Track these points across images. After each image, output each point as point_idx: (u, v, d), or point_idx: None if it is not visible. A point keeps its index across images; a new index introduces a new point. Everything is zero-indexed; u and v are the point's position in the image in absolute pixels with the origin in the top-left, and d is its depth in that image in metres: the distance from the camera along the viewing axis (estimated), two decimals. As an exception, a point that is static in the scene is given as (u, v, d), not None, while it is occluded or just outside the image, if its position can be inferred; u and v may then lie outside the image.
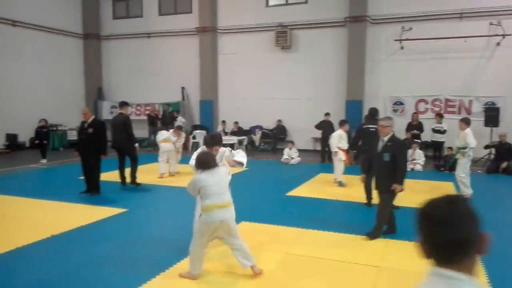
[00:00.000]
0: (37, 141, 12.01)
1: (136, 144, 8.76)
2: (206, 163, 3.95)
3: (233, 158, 4.88)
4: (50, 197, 7.45)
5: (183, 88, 16.39)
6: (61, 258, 4.68)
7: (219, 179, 3.98)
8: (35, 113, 15.06)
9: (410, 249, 4.72)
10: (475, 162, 11.98)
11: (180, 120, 15.28)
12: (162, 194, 8.13)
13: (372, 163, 6.88)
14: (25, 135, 14.91)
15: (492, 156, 11.37)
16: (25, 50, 15.10)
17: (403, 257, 4.65)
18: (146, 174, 10.01)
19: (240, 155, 4.95)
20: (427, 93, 13.41)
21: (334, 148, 8.82)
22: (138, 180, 8.61)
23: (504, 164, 10.62)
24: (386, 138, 5.24)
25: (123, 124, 8.41)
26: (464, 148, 7.52)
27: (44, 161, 11.79)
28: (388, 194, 5.16)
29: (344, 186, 8.61)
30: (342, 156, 8.76)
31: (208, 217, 3.83)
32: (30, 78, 15.21)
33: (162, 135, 9.88)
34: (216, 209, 3.83)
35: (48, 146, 12.69)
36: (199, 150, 4.46)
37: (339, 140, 8.79)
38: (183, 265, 4.42)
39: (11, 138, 14.50)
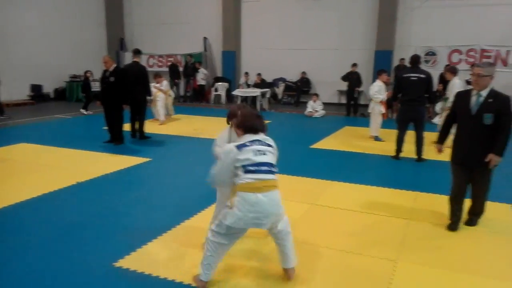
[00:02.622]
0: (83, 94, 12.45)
1: (151, 97, 8.56)
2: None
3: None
4: (75, 146, 7.50)
5: (205, 39, 15.97)
6: (90, 202, 4.72)
7: None
8: (58, 64, 15.08)
9: (439, 202, 4.56)
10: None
11: (202, 72, 15.05)
12: (184, 144, 8.07)
13: (411, 117, 6.54)
14: (49, 86, 15.00)
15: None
16: (45, -1, 14.85)
17: (432, 210, 4.49)
18: (170, 125, 9.99)
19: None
20: (462, 43, 12.63)
21: (376, 99, 8.27)
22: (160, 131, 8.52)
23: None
24: (484, 93, 3.77)
25: (140, 74, 8.00)
26: None
27: (84, 111, 11.88)
28: (488, 169, 3.82)
29: (382, 141, 8.25)
30: (382, 109, 8.35)
31: None
32: (50, 28, 15.02)
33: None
34: None
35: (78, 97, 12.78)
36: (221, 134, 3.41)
37: (379, 91, 8.27)
38: (212, 210, 4.39)
39: (36, 89, 14.60)
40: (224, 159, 2.84)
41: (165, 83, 10.27)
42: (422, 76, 6.50)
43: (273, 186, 2.84)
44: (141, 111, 8.20)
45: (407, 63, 9.46)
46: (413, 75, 6.52)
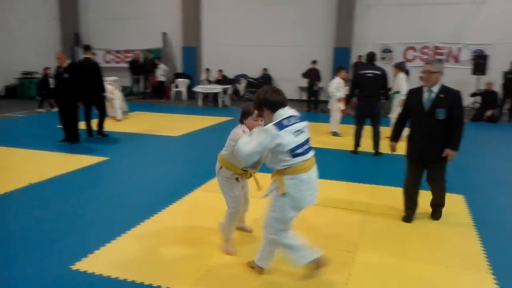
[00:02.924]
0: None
1: (106, 93, 8.38)
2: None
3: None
4: (27, 146, 7.16)
5: (164, 34, 15.68)
6: (44, 204, 4.51)
7: None
8: (8, 60, 14.33)
9: (395, 195, 4.72)
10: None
11: (162, 68, 14.78)
12: (143, 142, 7.89)
13: (367, 113, 6.71)
14: (-2, 83, 14.26)
15: (477, 105, 11.36)
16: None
17: (388, 203, 4.64)
18: (128, 123, 9.76)
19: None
20: (416, 40, 13.13)
21: (335, 96, 8.40)
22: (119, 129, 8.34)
23: (489, 112, 10.65)
24: (435, 89, 3.86)
25: (93, 71, 7.75)
26: (398, 92, 7.65)
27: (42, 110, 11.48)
28: (443, 164, 3.96)
29: (340, 136, 8.45)
30: (341, 105, 8.48)
31: None
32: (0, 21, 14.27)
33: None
34: None
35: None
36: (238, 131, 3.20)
37: (337, 88, 8.39)
38: (169, 211, 4.33)
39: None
40: (264, 139, 2.66)
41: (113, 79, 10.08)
42: (377, 72, 6.69)
43: (314, 162, 2.88)
44: (100, 108, 8.02)
45: (364, 60, 9.71)
46: (369, 72, 6.69)
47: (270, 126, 2.68)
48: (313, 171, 2.85)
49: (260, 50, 14.85)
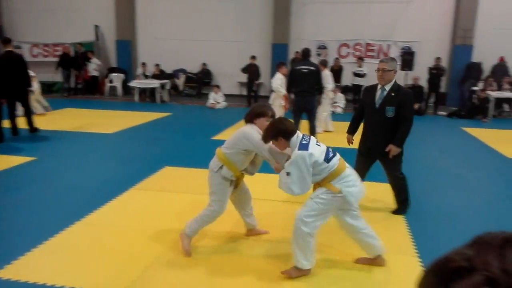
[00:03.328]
0: None
1: (32, 88, 7.92)
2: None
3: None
4: None
5: (96, 27, 14.96)
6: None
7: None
8: None
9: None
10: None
11: (94, 62, 14.10)
12: (74, 140, 7.49)
13: (303, 108, 6.84)
14: None
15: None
16: None
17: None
18: (58, 120, 9.22)
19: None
20: (349, 37, 13.67)
21: (281, 92, 8.13)
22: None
23: (416, 106, 11.35)
24: (388, 87, 3.97)
25: (17, 65, 7.24)
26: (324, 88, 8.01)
27: None
28: (394, 158, 4.06)
29: None
30: (282, 101, 8.48)
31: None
32: None
33: None
34: None
35: None
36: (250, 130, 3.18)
37: (281, 84, 8.20)
38: (102, 212, 4.15)
39: None
40: (303, 166, 2.79)
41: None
42: (312, 68, 6.86)
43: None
44: (24, 104, 7.54)
45: (301, 56, 9.91)
46: (304, 68, 6.85)
47: (299, 153, 2.80)
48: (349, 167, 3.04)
49: (199, 45, 14.66)
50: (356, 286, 3.01)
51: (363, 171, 4.16)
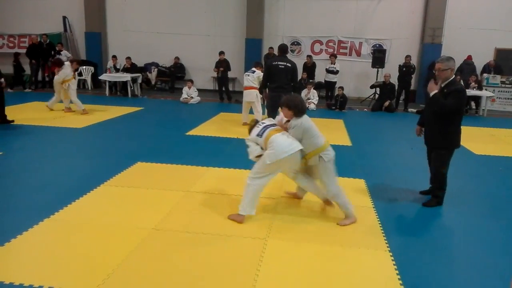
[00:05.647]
0: None
1: (2, 80, 7.66)
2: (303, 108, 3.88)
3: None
4: None
5: (64, 18, 14.49)
6: None
7: None
8: None
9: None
10: (361, 101, 12.94)
11: (65, 55, 13.65)
12: (41, 135, 7.25)
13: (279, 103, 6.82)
14: None
15: (377, 96, 12.31)
16: None
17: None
18: (24, 114, 8.89)
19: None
20: (322, 34, 13.80)
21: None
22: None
23: (387, 103, 11.60)
24: (444, 84, 4.25)
25: None
26: None
27: None
28: (443, 150, 4.34)
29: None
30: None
31: (330, 152, 3.85)
32: None
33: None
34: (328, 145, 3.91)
35: None
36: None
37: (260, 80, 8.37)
38: (71, 209, 4.03)
39: None
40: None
41: None
42: (288, 65, 6.86)
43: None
44: None
45: (276, 51, 9.90)
46: (281, 63, 6.84)
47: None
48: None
49: (171, 38, 14.45)
50: (326, 278, 3.04)
51: (429, 161, 4.60)
